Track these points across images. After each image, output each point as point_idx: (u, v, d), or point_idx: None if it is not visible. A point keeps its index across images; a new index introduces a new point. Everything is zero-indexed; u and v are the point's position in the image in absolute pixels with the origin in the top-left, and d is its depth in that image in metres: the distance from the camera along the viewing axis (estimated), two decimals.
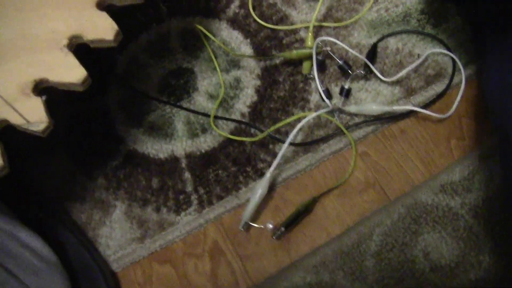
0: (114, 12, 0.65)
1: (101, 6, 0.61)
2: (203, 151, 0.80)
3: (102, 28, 0.61)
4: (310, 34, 0.81)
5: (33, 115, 0.57)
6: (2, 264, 0.65)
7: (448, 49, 0.80)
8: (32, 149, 0.82)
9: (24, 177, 0.80)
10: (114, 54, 0.87)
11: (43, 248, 0.70)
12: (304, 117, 0.75)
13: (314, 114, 0.74)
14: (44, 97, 0.59)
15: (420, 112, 0.77)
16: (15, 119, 0.57)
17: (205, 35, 0.86)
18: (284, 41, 0.85)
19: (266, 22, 0.87)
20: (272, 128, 0.76)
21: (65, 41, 0.59)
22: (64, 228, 0.76)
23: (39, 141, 0.78)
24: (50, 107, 0.59)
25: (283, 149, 0.73)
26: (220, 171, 0.78)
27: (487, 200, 0.72)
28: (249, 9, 0.87)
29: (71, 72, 0.59)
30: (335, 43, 0.80)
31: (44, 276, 0.67)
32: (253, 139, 0.77)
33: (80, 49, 0.61)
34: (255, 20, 0.87)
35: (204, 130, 0.80)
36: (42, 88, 0.60)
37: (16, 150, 0.78)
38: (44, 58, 0.59)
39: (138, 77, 0.86)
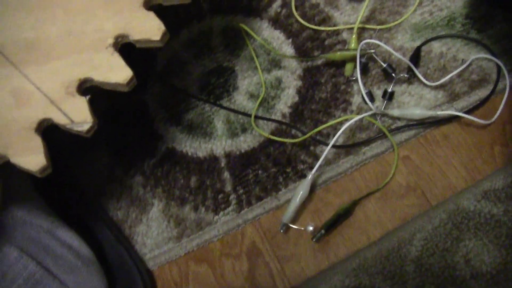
0: (156, 10, 0.65)
1: (147, 6, 0.61)
2: (242, 151, 0.79)
3: (149, 28, 0.61)
4: (354, 36, 0.81)
5: (78, 115, 0.57)
6: (41, 262, 0.65)
7: (493, 54, 0.79)
8: (71, 145, 0.82)
9: (63, 173, 0.80)
10: (155, 51, 0.87)
11: (80, 246, 0.70)
12: (347, 120, 0.74)
13: (357, 117, 0.74)
14: (88, 97, 0.58)
15: (463, 118, 0.76)
16: (59, 119, 0.57)
17: (247, 34, 0.85)
18: (326, 42, 0.85)
19: (309, 22, 0.86)
20: (316, 130, 0.75)
21: (111, 41, 0.59)
22: (102, 226, 0.76)
23: (78, 137, 0.78)
24: (93, 105, 0.58)
25: (326, 151, 0.73)
26: (259, 172, 0.78)
27: None
28: (291, 9, 0.87)
29: (116, 72, 0.59)
30: (379, 46, 0.79)
31: (81, 274, 0.67)
32: (294, 140, 0.77)
33: (123, 47, 0.61)
34: (297, 20, 0.87)
35: (244, 130, 0.80)
36: (86, 88, 0.59)
37: (55, 147, 0.78)
38: (90, 57, 0.59)
39: (178, 75, 0.85)
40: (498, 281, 0.68)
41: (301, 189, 0.72)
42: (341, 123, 0.75)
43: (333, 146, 0.75)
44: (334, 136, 0.74)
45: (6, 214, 0.65)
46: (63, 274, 0.66)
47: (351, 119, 0.74)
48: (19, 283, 0.63)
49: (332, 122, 0.75)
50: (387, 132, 0.75)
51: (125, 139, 0.82)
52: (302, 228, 0.74)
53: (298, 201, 0.72)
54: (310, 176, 0.72)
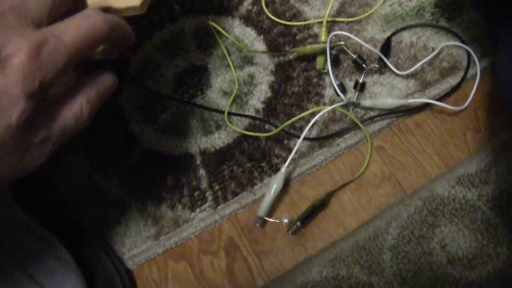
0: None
1: None
2: (217, 147, 0.80)
3: None
4: (323, 28, 0.81)
5: None
6: (21, 265, 0.65)
7: (463, 41, 0.79)
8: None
9: (41, 178, 0.80)
10: (128, 53, 0.88)
11: (58, 247, 0.70)
12: (319, 111, 0.75)
13: (328, 108, 0.74)
14: None
15: (435, 105, 0.76)
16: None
17: (218, 32, 0.86)
18: (297, 37, 0.85)
19: (279, 18, 0.87)
20: (287, 123, 0.75)
21: None
22: (79, 228, 0.76)
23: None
24: None
25: (298, 143, 0.73)
26: (235, 167, 0.78)
27: (504, 192, 0.71)
28: (262, 6, 0.88)
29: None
30: (349, 38, 0.80)
31: (58, 275, 0.67)
32: (267, 134, 0.77)
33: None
34: (268, 17, 0.87)
35: (218, 127, 0.80)
36: None
37: None
38: None
39: (152, 76, 0.86)
40: (475, 265, 0.68)
41: (274, 182, 0.72)
42: (313, 116, 0.75)
43: (306, 138, 0.75)
44: (305, 129, 0.73)
45: None
46: (41, 276, 0.66)
47: (322, 110, 0.74)
48: None
49: (303, 114, 0.75)
50: (359, 123, 0.75)
51: (102, 143, 0.83)
52: (278, 221, 0.74)
53: (273, 194, 0.72)
54: (283, 169, 0.73)
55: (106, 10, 0.57)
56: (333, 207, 0.75)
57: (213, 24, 0.85)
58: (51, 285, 0.67)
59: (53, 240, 0.71)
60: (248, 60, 0.85)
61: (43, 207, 0.77)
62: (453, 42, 0.80)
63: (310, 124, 0.73)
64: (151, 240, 0.77)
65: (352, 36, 0.78)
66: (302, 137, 0.73)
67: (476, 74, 0.78)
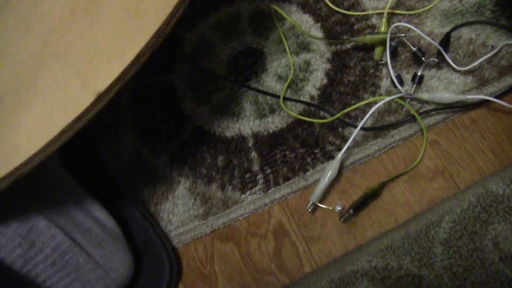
0: None
1: None
2: (270, 131, 0.79)
3: None
4: (384, 20, 0.81)
5: None
6: (69, 233, 0.65)
7: None
8: (98, 125, 0.83)
9: (89, 151, 0.80)
10: (182, 32, 0.87)
11: (107, 220, 0.70)
12: (376, 101, 0.74)
13: (387, 99, 0.74)
14: None
15: (492, 103, 0.76)
16: None
17: (277, 16, 0.85)
18: (355, 27, 0.85)
19: (338, 7, 0.86)
20: (344, 111, 0.75)
21: None
22: (128, 202, 0.76)
23: (106, 117, 0.79)
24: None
25: (355, 132, 0.73)
26: (287, 152, 0.78)
27: None
28: None
29: None
30: (408, 30, 0.80)
31: (107, 248, 0.68)
32: (323, 121, 0.77)
33: None
34: (326, 5, 0.87)
35: (272, 111, 0.80)
36: None
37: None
38: None
39: (206, 56, 0.86)
40: None
41: (330, 169, 0.72)
42: (369, 106, 0.75)
43: (362, 128, 0.75)
44: (362, 118, 0.73)
45: (34, 185, 0.66)
46: (89, 247, 0.66)
47: (380, 101, 0.74)
48: (47, 252, 0.63)
49: (360, 103, 0.75)
50: (416, 115, 0.75)
51: (152, 120, 0.83)
52: (331, 208, 0.73)
53: (327, 181, 0.72)
54: (339, 156, 0.72)
55: None
56: (385, 198, 0.75)
57: (275, 7, 0.85)
58: (101, 257, 0.67)
59: (103, 212, 0.71)
60: (304, 46, 0.84)
61: (93, 180, 0.77)
62: None
63: (369, 113, 0.73)
64: (199, 219, 0.76)
65: (413, 27, 0.78)
66: (359, 126, 0.73)
67: None
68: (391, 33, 0.78)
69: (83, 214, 0.69)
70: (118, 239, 0.69)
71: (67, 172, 0.73)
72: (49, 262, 0.64)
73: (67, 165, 0.74)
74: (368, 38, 0.79)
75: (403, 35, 0.79)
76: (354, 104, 0.77)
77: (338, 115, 0.75)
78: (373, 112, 0.74)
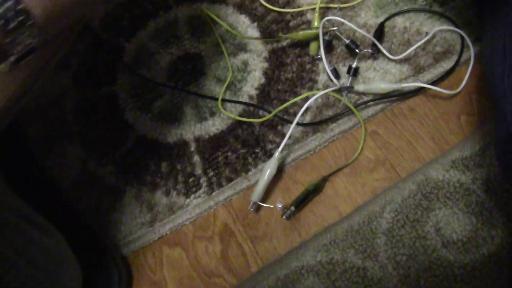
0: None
1: None
2: (211, 134, 0.80)
3: None
4: (316, 14, 0.81)
5: None
6: (17, 248, 0.65)
7: (456, 26, 0.80)
8: (43, 139, 0.83)
9: (37, 166, 0.80)
10: (122, 42, 0.88)
11: (55, 234, 0.70)
12: (312, 96, 0.74)
13: (321, 92, 0.74)
14: None
15: (429, 89, 0.76)
16: None
17: (212, 20, 0.86)
18: (290, 24, 0.85)
19: (273, 5, 0.87)
20: (280, 108, 0.75)
21: None
22: (74, 214, 0.76)
23: (51, 130, 0.79)
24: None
25: (291, 128, 0.73)
26: (229, 153, 0.78)
27: (499, 175, 0.71)
28: None
29: None
30: (342, 23, 0.80)
31: (55, 262, 0.67)
32: (261, 120, 0.77)
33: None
34: (261, 4, 0.88)
35: (212, 114, 0.81)
36: None
37: (27, 141, 0.78)
38: None
39: (147, 64, 0.86)
40: (469, 248, 0.68)
41: (268, 167, 0.72)
42: (307, 101, 0.75)
43: (299, 123, 0.75)
44: (298, 114, 0.73)
45: None
46: (37, 260, 0.66)
47: (315, 95, 0.74)
48: None
49: (296, 98, 0.75)
50: (352, 107, 0.75)
51: (97, 131, 0.83)
52: (272, 206, 0.74)
53: (266, 180, 0.72)
54: (277, 154, 0.73)
55: None
56: (327, 192, 0.75)
57: (207, 11, 0.85)
58: (48, 271, 0.66)
59: (49, 227, 0.71)
60: (242, 47, 0.85)
61: (37, 194, 0.77)
62: (446, 27, 0.80)
63: (303, 108, 0.73)
64: (146, 227, 0.77)
65: (345, 21, 0.79)
66: (295, 122, 0.73)
67: (469, 58, 0.79)
68: (323, 27, 0.78)
69: (33, 228, 0.68)
70: (65, 253, 0.69)
71: (10, 189, 0.73)
72: None
73: (11, 181, 0.74)
74: (301, 34, 0.80)
75: (335, 28, 0.79)
76: (292, 99, 0.77)
77: (274, 112, 0.75)
78: (310, 107, 0.75)
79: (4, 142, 0.81)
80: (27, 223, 0.67)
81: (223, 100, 0.80)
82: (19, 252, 0.64)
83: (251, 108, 0.80)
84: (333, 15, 0.83)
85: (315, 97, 0.73)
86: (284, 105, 0.75)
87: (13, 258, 0.63)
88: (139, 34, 0.89)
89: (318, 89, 0.79)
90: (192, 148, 0.79)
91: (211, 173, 0.77)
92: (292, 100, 0.75)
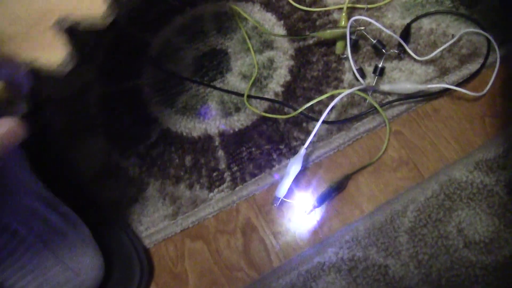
0: None
1: None
2: (236, 129, 0.80)
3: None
4: (344, 14, 0.82)
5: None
6: (37, 236, 0.66)
7: (483, 28, 0.80)
8: (67, 131, 0.83)
9: (61, 156, 0.81)
10: (148, 37, 0.88)
11: (77, 222, 0.70)
12: (338, 94, 0.75)
13: (348, 91, 0.74)
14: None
15: (454, 91, 0.77)
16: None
17: (239, 16, 0.86)
18: (317, 23, 0.85)
19: (300, 4, 0.87)
20: (306, 105, 0.75)
21: None
22: (97, 205, 0.76)
23: (75, 122, 0.79)
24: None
25: (317, 126, 0.73)
26: (253, 149, 0.78)
27: None
28: None
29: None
30: (369, 23, 0.80)
31: (76, 250, 0.68)
32: (286, 116, 0.77)
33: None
34: (288, 2, 0.88)
35: (237, 109, 0.81)
36: None
37: (55, 131, 0.79)
38: None
39: (172, 59, 0.87)
40: (491, 249, 0.68)
41: (293, 164, 0.73)
42: (332, 99, 0.75)
43: (325, 121, 0.75)
44: (324, 112, 0.73)
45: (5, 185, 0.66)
46: (58, 250, 0.67)
47: (341, 93, 0.74)
48: (15, 256, 0.63)
49: (322, 97, 0.75)
50: (378, 107, 0.75)
51: (121, 124, 0.84)
52: (295, 202, 0.74)
53: (291, 176, 0.73)
54: (302, 151, 0.73)
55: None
56: (350, 190, 0.75)
57: (235, 7, 0.86)
58: (70, 259, 0.67)
59: (73, 216, 0.72)
60: (268, 44, 0.85)
61: (62, 184, 0.77)
62: (472, 29, 0.80)
63: (330, 107, 0.73)
64: (169, 219, 0.77)
65: (372, 21, 0.79)
66: (321, 120, 0.73)
67: (495, 61, 0.79)
68: (350, 27, 0.78)
69: (56, 216, 0.69)
70: (88, 242, 0.70)
71: (36, 177, 0.73)
72: (17, 266, 0.64)
73: (36, 171, 0.74)
74: (328, 32, 0.80)
75: (362, 28, 0.79)
76: (318, 97, 0.77)
77: (300, 109, 0.75)
78: (335, 105, 0.75)
79: (30, 132, 0.81)
80: (48, 209, 0.68)
81: (249, 96, 0.80)
82: (36, 234, 0.65)
83: (276, 105, 0.80)
84: (360, 15, 0.83)
85: (341, 96, 0.74)
86: (310, 102, 0.75)
87: (28, 238, 0.64)
88: (164, 29, 0.90)
89: (343, 88, 0.79)
90: (217, 143, 0.80)
91: (235, 168, 0.78)
92: (319, 98, 0.76)
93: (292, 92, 0.80)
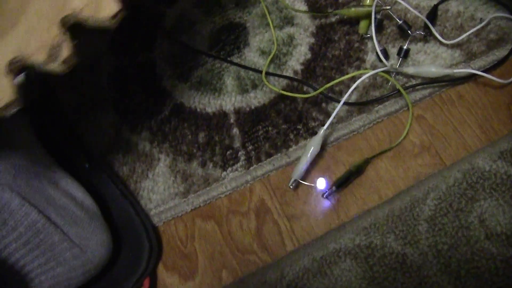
0: None
1: None
2: (253, 107, 0.77)
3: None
4: None
5: None
6: (43, 211, 0.64)
7: None
8: (77, 104, 0.81)
9: (67, 130, 0.79)
10: (163, 8, 0.85)
11: (84, 197, 0.69)
12: (360, 76, 0.72)
13: (371, 72, 0.72)
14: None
15: (480, 77, 0.74)
16: None
17: None
18: (340, 0, 0.82)
19: None
20: (327, 85, 0.73)
21: None
22: (107, 180, 0.75)
23: (85, 96, 0.77)
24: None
25: (339, 107, 0.71)
26: (269, 128, 0.76)
27: None
28: None
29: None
30: (395, 2, 0.78)
31: (84, 227, 0.66)
32: (306, 96, 0.75)
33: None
34: None
35: (254, 86, 0.78)
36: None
37: (60, 105, 0.77)
38: None
39: (187, 32, 0.84)
40: None
41: (312, 145, 0.70)
42: (354, 81, 0.73)
43: (346, 103, 0.73)
44: (346, 93, 0.71)
45: (7, 161, 0.64)
46: (65, 225, 0.65)
47: (364, 74, 0.72)
48: (20, 231, 0.62)
49: (343, 77, 0.73)
50: (401, 89, 0.73)
51: (132, 98, 0.81)
52: (313, 185, 0.72)
53: (309, 157, 0.70)
54: (321, 132, 0.70)
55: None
56: (369, 175, 0.73)
57: None
58: (77, 235, 0.66)
59: (80, 190, 0.70)
60: (288, 20, 0.82)
61: (71, 158, 0.75)
62: (502, 14, 0.78)
63: (352, 88, 0.70)
64: (179, 198, 0.75)
65: (399, 0, 0.76)
66: (343, 101, 0.71)
67: None
68: (376, 6, 0.75)
69: (59, 192, 0.67)
70: (95, 218, 0.68)
71: (43, 150, 0.71)
72: (22, 241, 0.62)
73: (44, 143, 0.72)
74: (353, 11, 0.77)
75: (388, 7, 0.76)
76: (340, 77, 0.75)
77: (321, 89, 0.73)
78: (356, 86, 0.72)
79: (39, 106, 0.79)
80: (52, 185, 0.67)
81: (267, 73, 0.78)
82: (40, 210, 0.63)
83: (295, 84, 0.78)
84: None
85: (365, 77, 0.72)
86: (332, 82, 0.73)
87: (32, 214, 0.63)
88: (180, 1, 0.87)
89: (365, 69, 0.77)
90: (232, 120, 0.77)
91: (250, 147, 0.75)
92: (341, 78, 0.73)
93: (312, 70, 0.77)
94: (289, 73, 0.78)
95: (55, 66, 0.49)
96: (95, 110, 0.81)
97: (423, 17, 0.77)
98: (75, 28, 0.49)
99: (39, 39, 0.49)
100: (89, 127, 0.81)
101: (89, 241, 0.67)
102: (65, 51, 0.49)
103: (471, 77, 0.75)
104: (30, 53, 0.49)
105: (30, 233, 0.63)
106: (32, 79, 0.52)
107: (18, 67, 0.49)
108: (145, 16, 0.86)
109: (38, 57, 0.48)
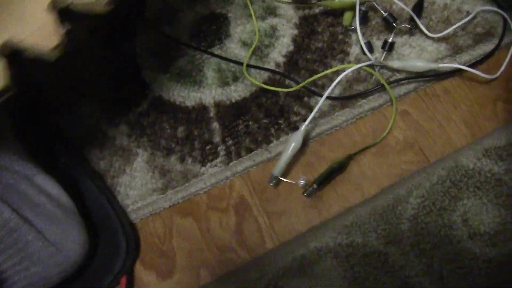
0: None
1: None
2: (233, 100, 0.76)
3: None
4: None
5: None
6: (17, 209, 0.62)
7: (500, 7, 0.75)
8: (58, 92, 0.79)
9: (45, 122, 0.77)
10: None
11: (60, 194, 0.67)
12: (344, 69, 0.70)
13: (355, 67, 0.70)
14: None
15: (466, 72, 0.73)
16: None
17: None
18: None
19: None
20: (310, 80, 0.71)
21: None
22: (83, 175, 0.73)
23: (64, 86, 0.75)
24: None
25: (321, 102, 0.69)
26: (250, 123, 0.74)
27: None
28: None
29: None
30: None
31: (59, 224, 0.65)
32: (288, 90, 0.73)
33: None
34: None
35: (235, 79, 0.76)
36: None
37: (40, 95, 0.75)
38: None
39: (169, 22, 0.82)
40: (496, 241, 0.65)
41: (293, 141, 0.69)
42: (337, 74, 0.71)
43: (328, 97, 0.71)
44: (329, 87, 0.69)
45: None
46: (40, 224, 0.63)
47: (348, 68, 0.70)
48: None
49: (327, 71, 0.71)
50: (385, 84, 0.71)
51: (111, 89, 0.79)
52: (293, 182, 0.70)
53: (290, 153, 0.69)
54: (303, 127, 0.69)
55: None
56: (352, 171, 0.71)
57: None
58: (52, 234, 0.64)
59: (56, 187, 0.68)
60: (271, 11, 0.80)
61: (48, 152, 0.74)
62: (489, 7, 0.76)
63: (335, 82, 0.69)
64: (157, 193, 0.73)
65: None
66: (325, 95, 0.69)
67: (511, 42, 0.74)
68: None
69: (34, 189, 0.65)
70: (71, 215, 0.66)
71: (17, 144, 0.69)
72: None
73: (19, 137, 0.70)
74: (337, 2, 0.76)
75: None
76: (322, 72, 0.73)
77: (303, 83, 0.71)
78: (340, 81, 0.70)
79: (16, 98, 0.77)
80: (25, 181, 0.65)
81: (248, 66, 0.76)
82: (13, 208, 0.62)
83: (277, 77, 0.76)
84: None
85: (348, 71, 0.70)
86: (315, 76, 0.71)
87: (5, 212, 0.61)
88: None
89: (349, 62, 0.75)
90: (212, 114, 0.75)
91: (230, 142, 0.74)
92: (324, 73, 0.71)
93: (294, 63, 0.76)
94: (271, 66, 0.76)
95: (47, 52, 0.49)
96: (74, 99, 0.80)
97: (408, 9, 0.75)
98: (66, 14, 0.49)
99: (31, 24, 0.49)
100: (67, 116, 0.79)
101: (65, 239, 0.65)
102: (57, 36, 0.49)
103: (456, 72, 0.74)
104: (22, 37, 0.48)
105: (3, 232, 0.61)
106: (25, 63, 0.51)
107: (10, 51, 0.48)
108: (126, 5, 0.83)
109: (29, 41, 0.48)
